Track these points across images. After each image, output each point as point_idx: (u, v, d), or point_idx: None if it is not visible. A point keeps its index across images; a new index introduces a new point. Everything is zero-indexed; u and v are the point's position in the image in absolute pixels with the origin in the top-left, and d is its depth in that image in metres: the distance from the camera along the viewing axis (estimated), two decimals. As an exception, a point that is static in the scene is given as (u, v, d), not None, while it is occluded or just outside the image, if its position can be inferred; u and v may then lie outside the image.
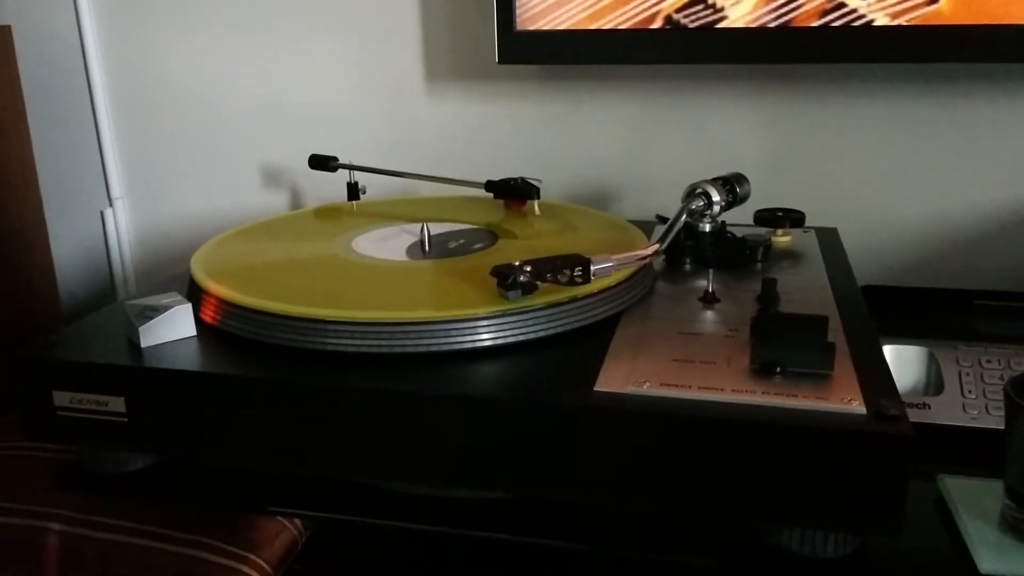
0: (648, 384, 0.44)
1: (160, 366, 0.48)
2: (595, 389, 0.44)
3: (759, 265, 0.63)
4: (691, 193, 0.64)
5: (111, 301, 0.98)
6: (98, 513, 0.53)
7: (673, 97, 0.82)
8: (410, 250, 0.62)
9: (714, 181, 0.65)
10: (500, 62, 0.75)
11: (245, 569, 0.50)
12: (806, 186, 0.81)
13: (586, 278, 0.51)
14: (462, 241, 0.63)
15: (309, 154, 0.82)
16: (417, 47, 0.86)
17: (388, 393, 0.46)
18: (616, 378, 0.45)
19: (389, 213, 0.73)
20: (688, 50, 0.73)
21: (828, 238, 0.71)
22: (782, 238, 0.69)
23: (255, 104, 0.92)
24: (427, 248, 0.62)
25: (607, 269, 0.52)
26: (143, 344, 0.50)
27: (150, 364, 0.48)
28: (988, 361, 0.66)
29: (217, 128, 0.93)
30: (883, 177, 0.79)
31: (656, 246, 0.55)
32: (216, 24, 0.90)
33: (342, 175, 0.79)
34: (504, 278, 0.49)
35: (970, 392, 0.65)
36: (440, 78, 0.86)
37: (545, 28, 0.75)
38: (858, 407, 0.42)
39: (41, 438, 0.51)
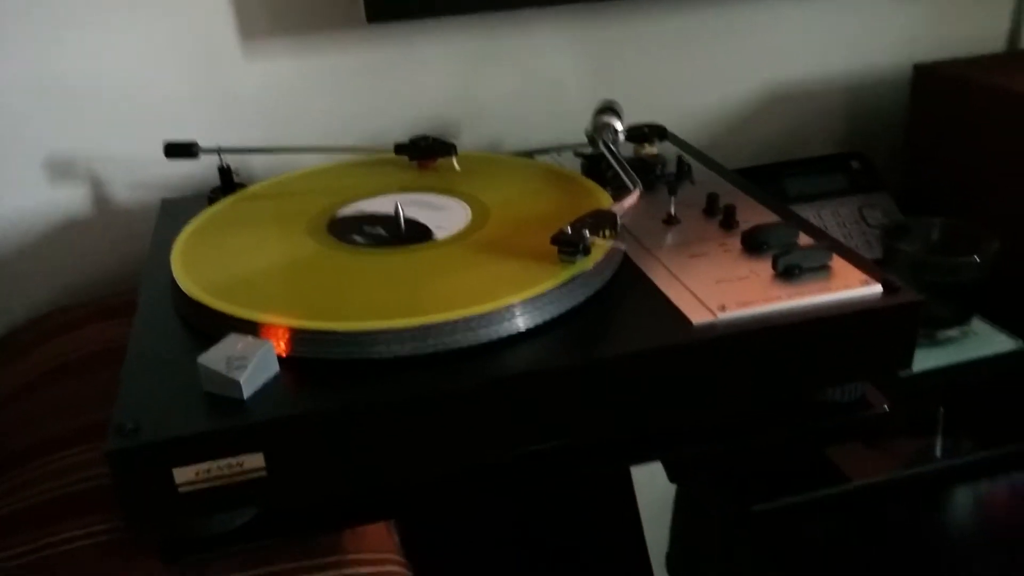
0: (728, 308, 0.54)
1: (295, 412, 0.47)
2: (694, 324, 0.53)
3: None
4: (597, 128, 0.72)
5: None
6: (212, 570, 0.51)
7: (499, 30, 0.87)
8: (395, 234, 0.63)
9: (603, 113, 0.74)
10: (369, 20, 0.74)
11: (398, 569, 0.53)
12: (621, 95, 0.92)
13: (615, 231, 0.58)
14: (436, 216, 0.65)
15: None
16: (226, 3, 0.80)
17: (517, 376, 0.50)
18: (695, 309, 0.54)
19: (313, 189, 0.71)
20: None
21: (673, 140, 0.84)
22: (650, 150, 0.80)
23: (33, 91, 0.79)
24: (404, 230, 0.63)
25: (623, 219, 0.59)
26: (246, 394, 0.48)
27: (278, 412, 0.47)
28: (808, 219, 0.85)
29: (-17, 124, 0.79)
30: (677, 78, 0.93)
31: (639, 189, 0.63)
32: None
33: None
34: (572, 246, 0.55)
35: (805, 244, 0.83)
36: (257, 36, 0.82)
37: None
38: (875, 286, 0.56)
39: (158, 523, 0.48)
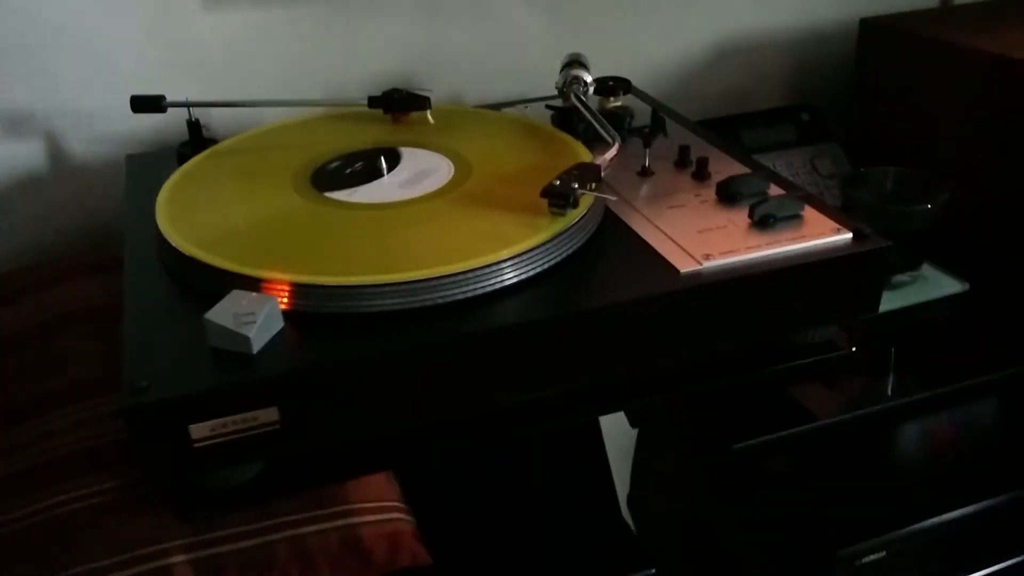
0: (712, 257, 0.57)
1: (307, 365, 0.48)
2: (681, 272, 0.55)
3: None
4: (567, 83, 0.73)
5: None
6: (220, 528, 0.52)
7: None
8: (387, 187, 0.63)
9: (572, 66, 0.75)
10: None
11: (402, 517, 0.54)
12: (577, 49, 0.93)
13: (599, 183, 0.60)
14: (421, 170, 0.66)
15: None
16: (185, -47, 0.78)
17: (513, 327, 0.52)
18: (680, 258, 0.57)
19: (288, 144, 0.71)
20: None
21: (637, 93, 0.85)
22: (615, 103, 0.81)
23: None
24: (399, 181, 0.64)
25: (607, 172, 0.61)
26: (255, 349, 0.49)
27: (291, 366, 0.48)
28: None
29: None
30: (631, 31, 0.95)
31: (618, 143, 0.65)
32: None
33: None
34: (563, 199, 0.56)
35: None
36: (217, -14, 0.80)
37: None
38: (846, 233, 0.59)
39: (173, 478, 0.48)
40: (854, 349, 0.63)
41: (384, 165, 0.65)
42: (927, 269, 0.78)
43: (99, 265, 0.74)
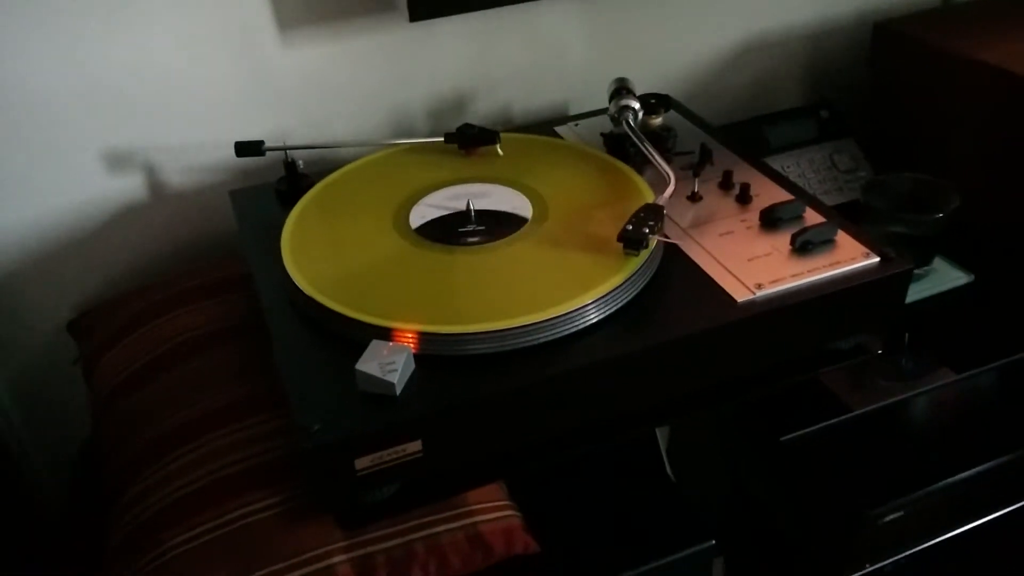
0: (764, 286, 0.67)
1: (444, 405, 0.59)
2: (738, 302, 0.66)
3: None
4: (618, 111, 0.82)
5: None
6: (369, 532, 0.63)
7: (506, 8, 0.94)
8: (476, 231, 0.72)
9: (619, 94, 0.83)
10: (412, 19, 0.81)
11: (513, 513, 0.66)
12: (610, 59, 1.01)
13: (662, 222, 0.69)
14: (505, 210, 0.75)
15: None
16: (265, -2, 0.86)
17: (602, 362, 0.62)
18: (736, 288, 0.67)
19: (378, 179, 0.80)
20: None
21: (676, 108, 0.94)
22: (656, 121, 0.90)
23: (83, 88, 0.84)
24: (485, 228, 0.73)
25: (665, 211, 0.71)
26: (398, 392, 0.59)
27: (431, 407, 0.59)
28: (788, 166, 0.98)
29: (40, 123, 0.84)
30: (658, 33, 1.03)
31: (675, 179, 0.74)
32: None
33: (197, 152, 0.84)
34: (637, 243, 0.66)
35: (787, 192, 0.96)
36: (293, 25, 0.88)
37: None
38: (874, 257, 0.69)
39: (337, 499, 0.60)
40: (880, 352, 0.74)
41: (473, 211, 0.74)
42: (937, 262, 0.88)
43: (204, 288, 0.84)
